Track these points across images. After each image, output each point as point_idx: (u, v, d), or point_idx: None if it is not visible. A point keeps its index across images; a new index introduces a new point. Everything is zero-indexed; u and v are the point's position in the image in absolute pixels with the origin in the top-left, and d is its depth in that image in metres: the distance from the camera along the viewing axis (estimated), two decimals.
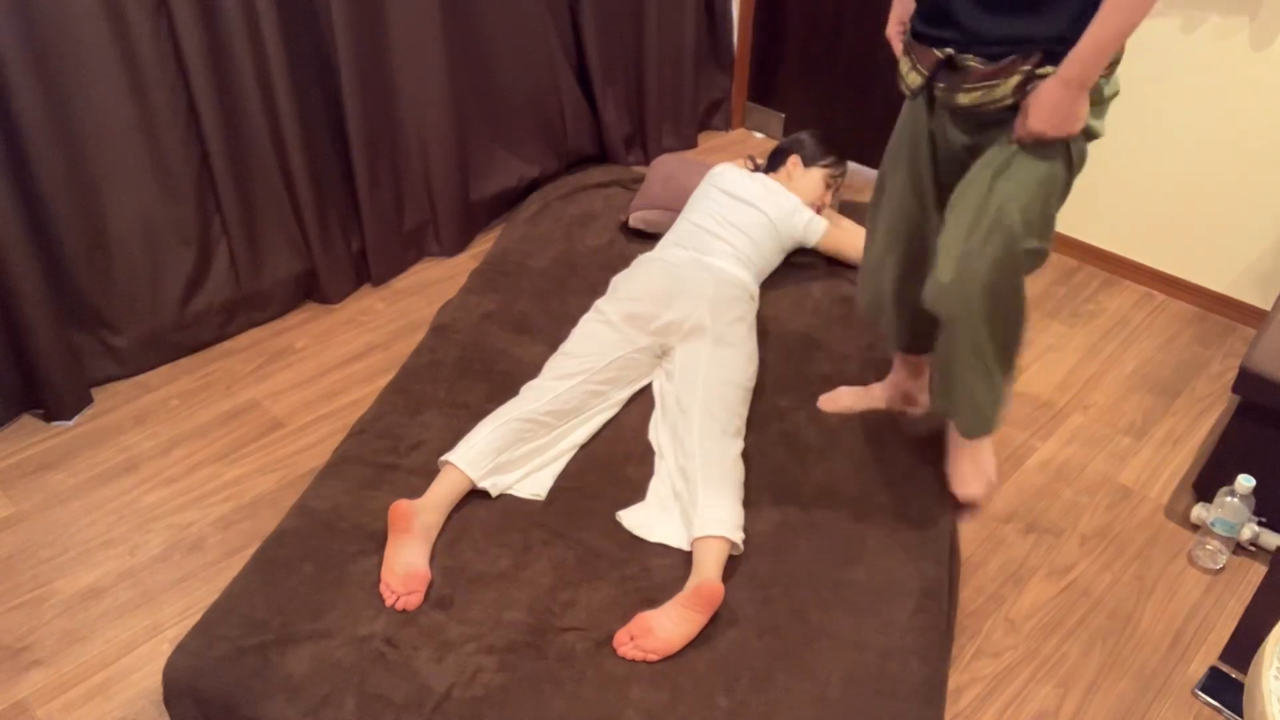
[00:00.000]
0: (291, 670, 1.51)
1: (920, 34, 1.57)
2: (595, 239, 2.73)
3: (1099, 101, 1.54)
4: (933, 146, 1.70)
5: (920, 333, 1.92)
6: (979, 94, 1.53)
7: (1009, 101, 1.51)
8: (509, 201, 3.11)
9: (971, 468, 1.89)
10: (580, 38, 3.12)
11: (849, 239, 2.51)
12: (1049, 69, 1.47)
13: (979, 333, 1.65)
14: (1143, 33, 2.59)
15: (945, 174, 1.72)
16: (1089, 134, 1.57)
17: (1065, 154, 1.57)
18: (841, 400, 2.11)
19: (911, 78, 1.62)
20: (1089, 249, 2.94)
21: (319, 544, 1.72)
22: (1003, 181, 1.56)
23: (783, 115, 3.61)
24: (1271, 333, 1.97)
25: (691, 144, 3.58)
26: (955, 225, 1.61)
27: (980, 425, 1.79)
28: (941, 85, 1.58)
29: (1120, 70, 2.65)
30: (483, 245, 3.00)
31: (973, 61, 1.51)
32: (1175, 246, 2.77)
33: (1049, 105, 1.47)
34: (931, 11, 1.54)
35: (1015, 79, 1.49)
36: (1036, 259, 1.64)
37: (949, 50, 1.53)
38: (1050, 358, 2.56)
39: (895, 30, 1.71)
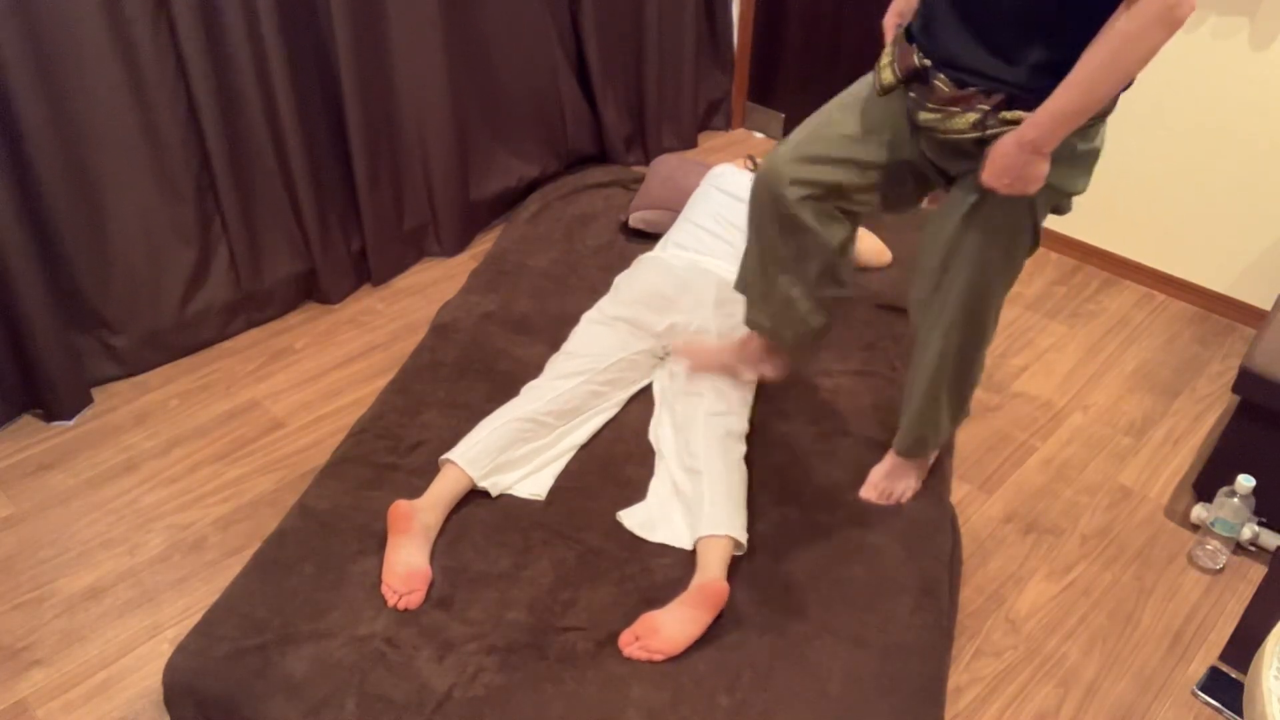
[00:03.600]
0: (292, 670, 1.51)
1: (911, 35, 1.53)
2: (595, 239, 2.73)
3: (1070, 158, 1.48)
4: (892, 144, 1.64)
5: (781, 318, 1.83)
6: (937, 117, 1.48)
7: (968, 136, 1.46)
8: (509, 201, 3.11)
9: (885, 482, 1.90)
10: (580, 38, 3.12)
11: None
12: (1015, 113, 1.41)
13: (944, 358, 1.70)
14: None
15: (896, 173, 1.67)
16: (1061, 191, 1.52)
17: (1030, 210, 1.53)
18: (702, 359, 2.01)
19: (886, 74, 1.56)
20: (1089, 249, 2.94)
21: (319, 544, 1.72)
22: (972, 230, 1.56)
23: (783, 115, 3.61)
24: (1271, 333, 1.97)
25: (691, 144, 3.58)
26: (922, 273, 1.68)
27: (912, 445, 1.84)
28: (913, 95, 1.53)
29: None
30: (483, 245, 3.00)
31: (940, 81, 1.47)
32: (1175, 246, 2.77)
33: (1002, 163, 1.42)
34: (925, 18, 1.49)
35: (973, 116, 1.44)
36: (1000, 306, 1.68)
37: (926, 61, 1.48)
38: (1050, 358, 2.56)
39: (891, 20, 1.65)
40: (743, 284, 1.88)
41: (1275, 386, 1.87)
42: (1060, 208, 1.58)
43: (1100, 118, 1.47)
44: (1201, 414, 2.39)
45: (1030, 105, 1.40)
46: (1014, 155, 1.40)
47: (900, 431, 1.86)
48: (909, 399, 1.81)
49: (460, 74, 2.79)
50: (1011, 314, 2.73)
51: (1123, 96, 2.68)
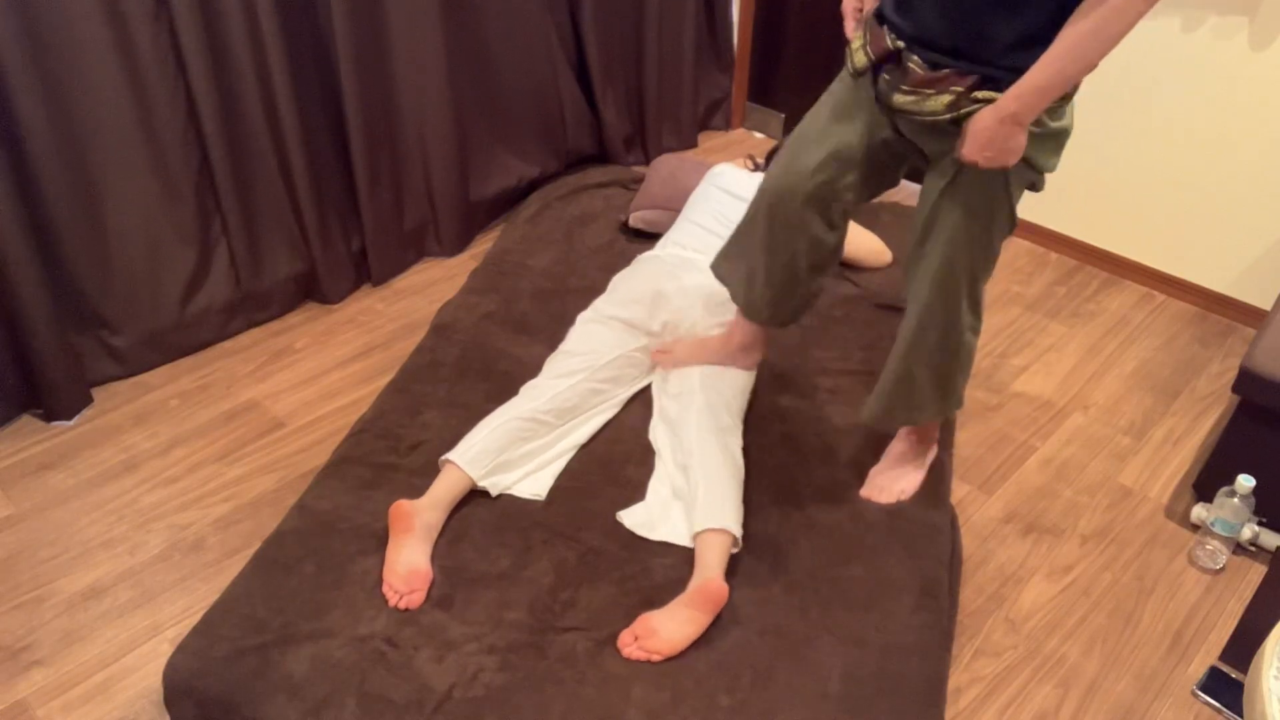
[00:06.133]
0: (292, 670, 1.51)
1: (883, 17, 1.54)
2: (595, 239, 2.73)
3: (1042, 134, 1.49)
4: (869, 126, 1.65)
5: (778, 303, 1.87)
6: (912, 100, 1.50)
7: (943, 117, 1.48)
8: (509, 201, 3.11)
9: (886, 481, 1.90)
10: (580, 38, 3.12)
11: (849, 238, 2.51)
12: (987, 93, 1.43)
13: (928, 344, 1.71)
14: (1142, 32, 2.59)
15: (877, 152, 1.68)
16: (1034, 167, 1.53)
17: (1005, 189, 1.54)
18: (679, 355, 2.05)
19: (859, 57, 1.57)
20: (1089, 249, 2.94)
21: (319, 544, 1.72)
22: (947, 206, 1.57)
23: (783, 115, 3.61)
24: (1271, 333, 1.97)
25: (691, 144, 3.58)
26: (914, 246, 1.68)
27: (878, 415, 1.84)
28: (886, 78, 1.55)
29: (1120, 69, 2.67)
30: (483, 245, 3.00)
31: (914, 63, 1.48)
32: (1175, 246, 2.77)
33: (982, 136, 1.43)
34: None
35: (947, 97, 1.46)
36: (980, 288, 1.68)
37: (900, 44, 1.50)
38: (1050, 358, 2.56)
39: (851, 5, 1.64)
40: (722, 268, 1.92)
41: (1275, 386, 1.87)
42: (1035, 185, 1.59)
43: (1067, 97, 1.49)
44: (1201, 414, 2.39)
45: (1002, 85, 1.42)
46: (994, 128, 1.42)
47: (870, 397, 1.86)
48: (885, 369, 1.83)
49: (460, 74, 2.79)
50: (1011, 314, 2.73)
51: (1122, 95, 2.68)
